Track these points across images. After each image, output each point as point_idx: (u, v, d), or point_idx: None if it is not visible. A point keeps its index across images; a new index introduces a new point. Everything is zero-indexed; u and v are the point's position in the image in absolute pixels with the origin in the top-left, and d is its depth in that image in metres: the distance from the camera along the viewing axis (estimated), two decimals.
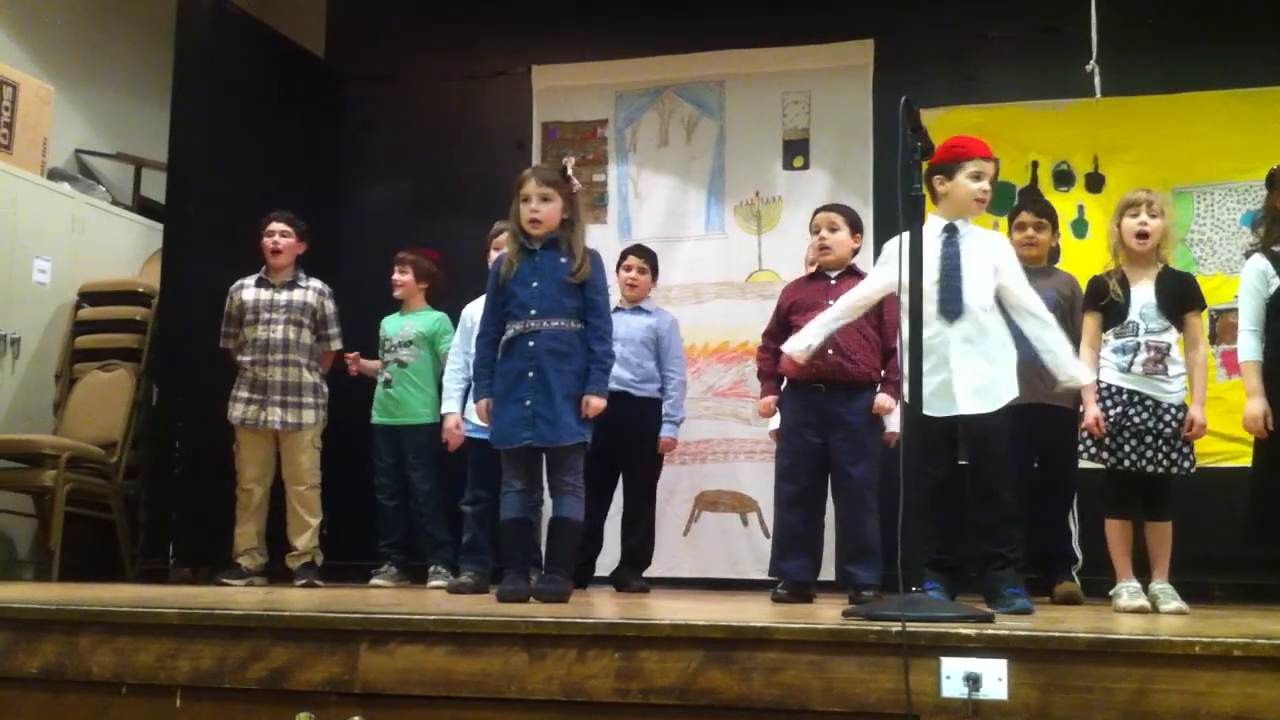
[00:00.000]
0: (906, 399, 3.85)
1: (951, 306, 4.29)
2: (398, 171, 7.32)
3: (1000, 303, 4.38)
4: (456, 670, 3.27)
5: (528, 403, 4.46)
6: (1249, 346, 4.18)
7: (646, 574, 5.77)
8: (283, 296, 5.78)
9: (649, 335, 5.71)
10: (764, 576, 5.54)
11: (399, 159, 7.29)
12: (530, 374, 4.48)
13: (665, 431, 5.72)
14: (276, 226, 5.82)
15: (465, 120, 7.16)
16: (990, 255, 4.40)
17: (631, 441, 5.59)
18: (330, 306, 5.92)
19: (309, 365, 5.77)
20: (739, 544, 6.43)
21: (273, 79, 6.90)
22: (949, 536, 4.47)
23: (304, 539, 5.70)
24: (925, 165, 4.08)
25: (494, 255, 5.22)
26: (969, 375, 4.28)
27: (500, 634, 3.28)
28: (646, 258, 5.88)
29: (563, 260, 4.59)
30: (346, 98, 7.43)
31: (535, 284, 4.56)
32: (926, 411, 4.21)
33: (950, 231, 4.40)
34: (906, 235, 4.30)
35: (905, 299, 4.04)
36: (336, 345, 5.94)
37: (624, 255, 5.89)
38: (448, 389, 5.66)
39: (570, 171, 4.76)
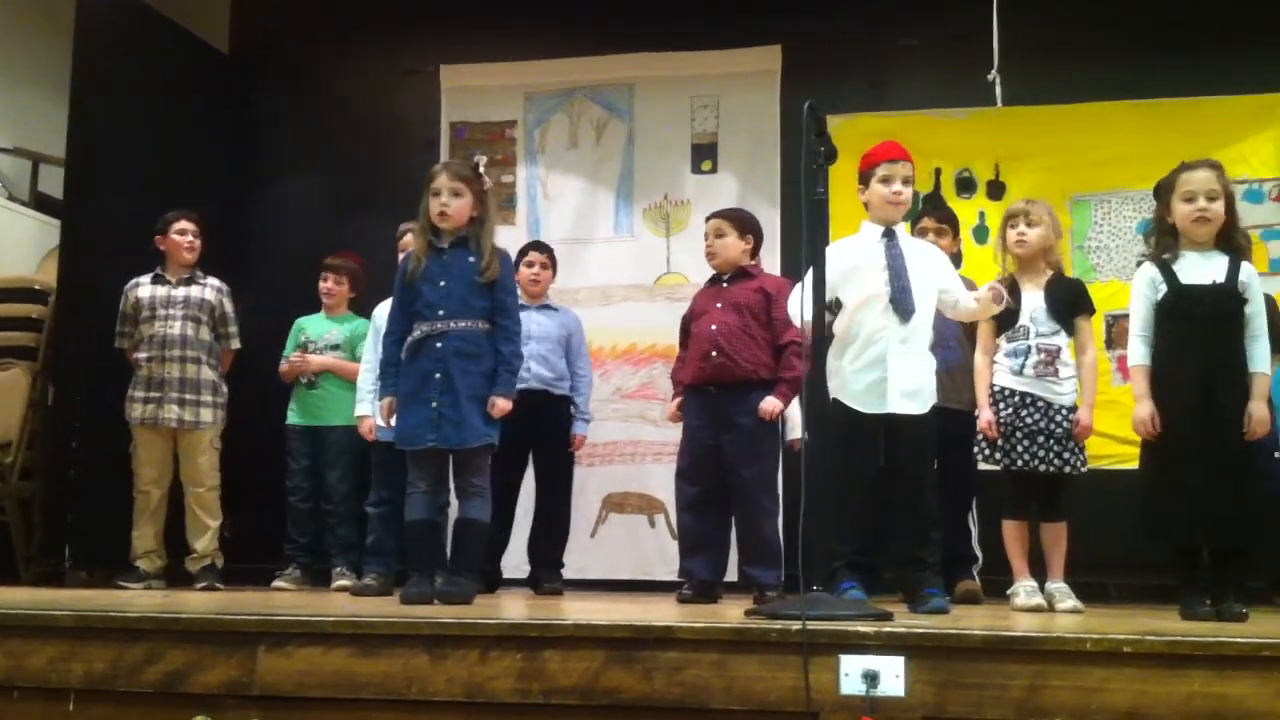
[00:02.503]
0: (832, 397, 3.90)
1: (904, 305, 4.38)
2: (307, 170, 7.23)
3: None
4: (357, 672, 3.26)
5: (434, 404, 4.45)
6: (1137, 352, 4.28)
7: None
8: (180, 293, 5.68)
9: (561, 333, 5.73)
10: (672, 578, 5.56)
11: (309, 157, 7.20)
12: (437, 375, 4.47)
13: (577, 428, 5.74)
14: (189, 226, 5.73)
15: (375, 119, 7.09)
16: (926, 262, 4.53)
17: (550, 440, 5.61)
18: (229, 305, 5.84)
19: (208, 363, 5.67)
20: (646, 545, 6.45)
21: (176, 74, 6.78)
22: (869, 537, 4.52)
23: (203, 541, 5.60)
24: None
25: (402, 256, 5.19)
26: (903, 376, 4.37)
27: (402, 635, 3.29)
28: (547, 253, 5.89)
29: (471, 259, 4.58)
30: (254, 94, 7.32)
31: (443, 283, 4.54)
32: (858, 409, 4.31)
33: (890, 235, 4.50)
34: (848, 241, 4.48)
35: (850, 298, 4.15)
36: (235, 344, 5.86)
37: (524, 252, 5.89)
38: (361, 391, 5.62)
39: (482, 169, 4.75)
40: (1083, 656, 2.93)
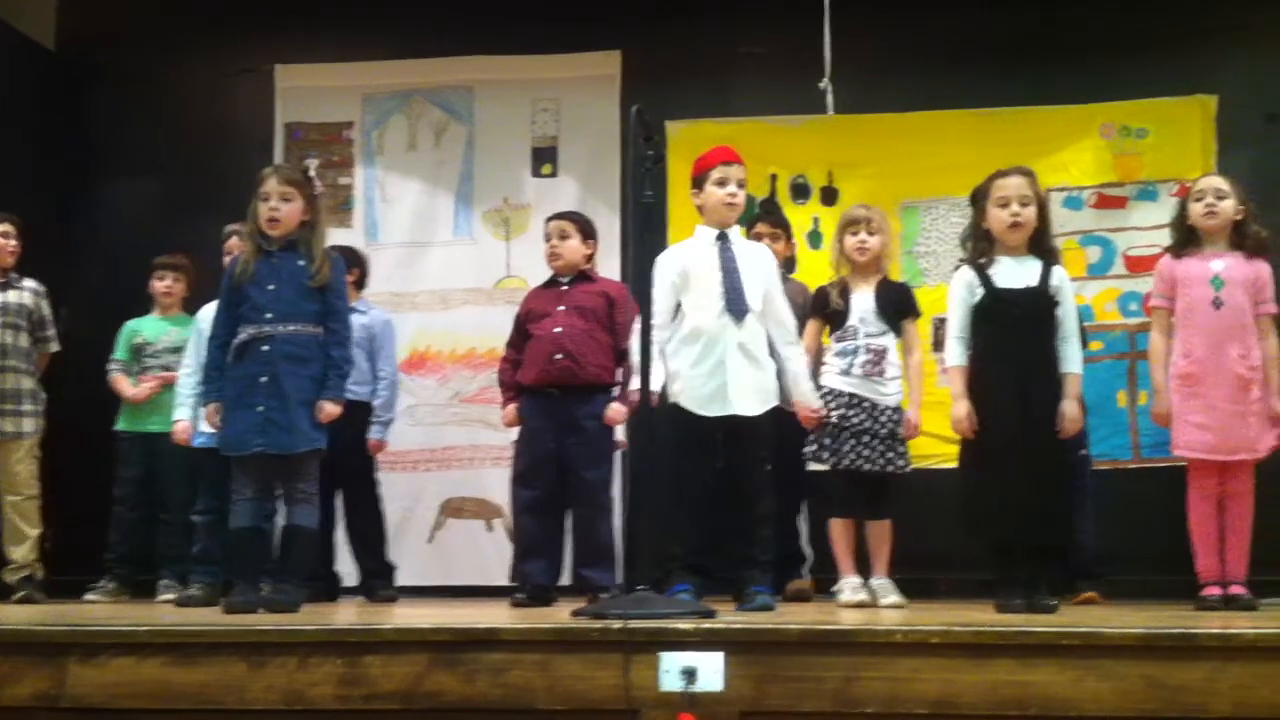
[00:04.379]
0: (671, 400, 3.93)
1: (737, 306, 4.44)
2: (138, 170, 7.02)
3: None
4: (173, 682, 3.21)
5: (261, 409, 4.37)
6: (955, 353, 4.41)
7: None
8: None
9: (363, 335, 5.58)
10: (510, 583, 5.53)
11: (139, 157, 6.99)
12: (264, 379, 4.39)
13: (374, 433, 5.60)
14: (8, 228, 5.54)
15: (208, 119, 6.93)
16: (758, 264, 4.59)
17: (347, 445, 5.47)
18: (46, 307, 5.65)
19: (27, 371, 5.48)
20: (485, 550, 6.42)
21: None
22: (705, 539, 4.56)
23: (22, 551, 5.40)
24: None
25: (229, 259, 5.09)
26: (743, 377, 4.43)
27: (220, 644, 3.24)
28: (349, 256, 5.76)
29: (301, 263, 4.51)
30: (83, 93, 7.09)
31: (272, 286, 4.47)
32: (700, 412, 4.35)
33: (723, 239, 4.55)
34: (674, 249, 4.59)
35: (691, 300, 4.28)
36: (54, 347, 5.67)
37: None
38: (180, 395, 5.49)
39: (313, 173, 4.68)
40: (894, 648, 3.01)
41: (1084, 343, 5.16)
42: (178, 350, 5.79)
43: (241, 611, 4.11)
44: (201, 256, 5.98)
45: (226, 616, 3.93)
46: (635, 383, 4.27)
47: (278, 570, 4.46)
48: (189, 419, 5.37)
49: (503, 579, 6.05)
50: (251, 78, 6.98)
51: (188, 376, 5.43)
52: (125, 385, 5.87)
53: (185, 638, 3.24)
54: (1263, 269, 4.64)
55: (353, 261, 5.80)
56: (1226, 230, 4.65)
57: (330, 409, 4.43)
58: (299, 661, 3.17)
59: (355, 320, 5.56)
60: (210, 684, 3.19)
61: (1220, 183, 4.70)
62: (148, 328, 5.92)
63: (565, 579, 5.14)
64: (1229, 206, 4.63)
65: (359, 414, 5.55)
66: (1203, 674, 2.91)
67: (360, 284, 5.80)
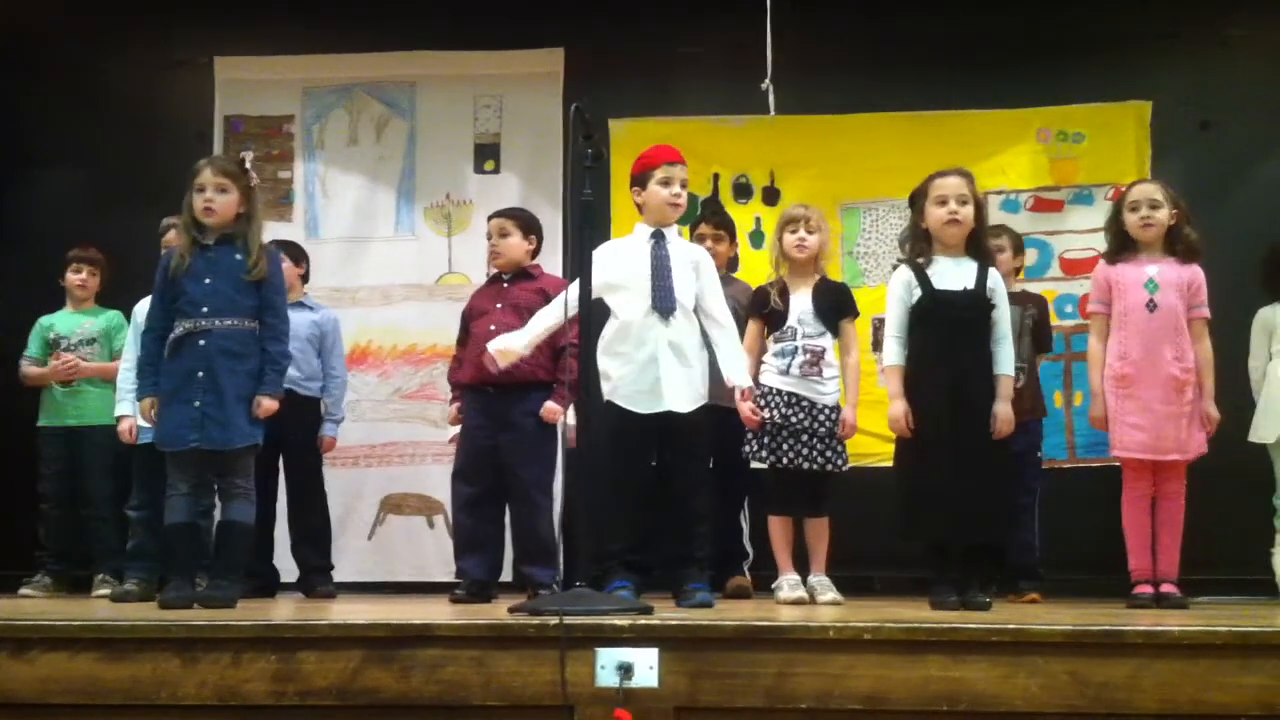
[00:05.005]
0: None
1: (665, 304, 4.46)
2: (72, 162, 6.92)
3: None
4: (104, 677, 3.19)
5: (197, 404, 4.34)
6: (892, 352, 4.46)
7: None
8: None
9: (314, 331, 5.59)
10: (451, 579, 5.52)
11: (73, 148, 6.89)
12: (201, 374, 4.36)
13: (326, 430, 5.61)
14: None
15: (144, 110, 6.84)
16: (692, 265, 4.61)
17: (297, 441, 5.47)
18: None
19: None
20: (426, 546, 6.39)
21: None
22: (642, 536, 4.58)
23: None
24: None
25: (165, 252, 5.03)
26: (675, 374, 4.45)
27: (151, 639, 3.23)
28: (291, 252, 5.72)
29: (238, 257, 4.48)
30: (16, 83, 6.97)
31: (208, 280, 4.44)
32: (634, 409, 4.37)
33: (658, 237, 4.57)
34: (607, 245, 4.60)
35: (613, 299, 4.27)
36: None
37: None
38: (120, 390, 5.42)
39: (249, 165, 4.65)
40: (827, 644, 3.05)
41: (1049, 346, 5.29)
42: (91, 343, 5.77)
43: (177, 607, 4.07)
44: (135, 250, 5.91)
45: (161, 612, 3.90)
46: None
47: (214, 566, 4.43)
48: (132, 413, 5.31)
49: (444, 575, 6.06)
50: (190, 69, 6.90)
51: (127, 371, 5.36)
52: (33, 370, 5.79)
53: (117, 633, 3.22)
54: (1196, 273, 4.72)
55: (300, 256, 5.79)
56: (1161, 237, 4.73)
57: (268, 404, 4.41)
58: (232, 657, 3.16)
59: (305, 317, 5.58)
60: (142, 680, 3.17)
61: (1154, 192, 4.77)
62: (61, 322, 5.86)
63: (508, 575, 5.16)
64: (1163, 215, 4.70)
65: (309, 411, 5.55)
66: (1128, 671, 2.96)
67: (306, 279, 5.78)
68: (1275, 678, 2.97)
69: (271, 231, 5.66)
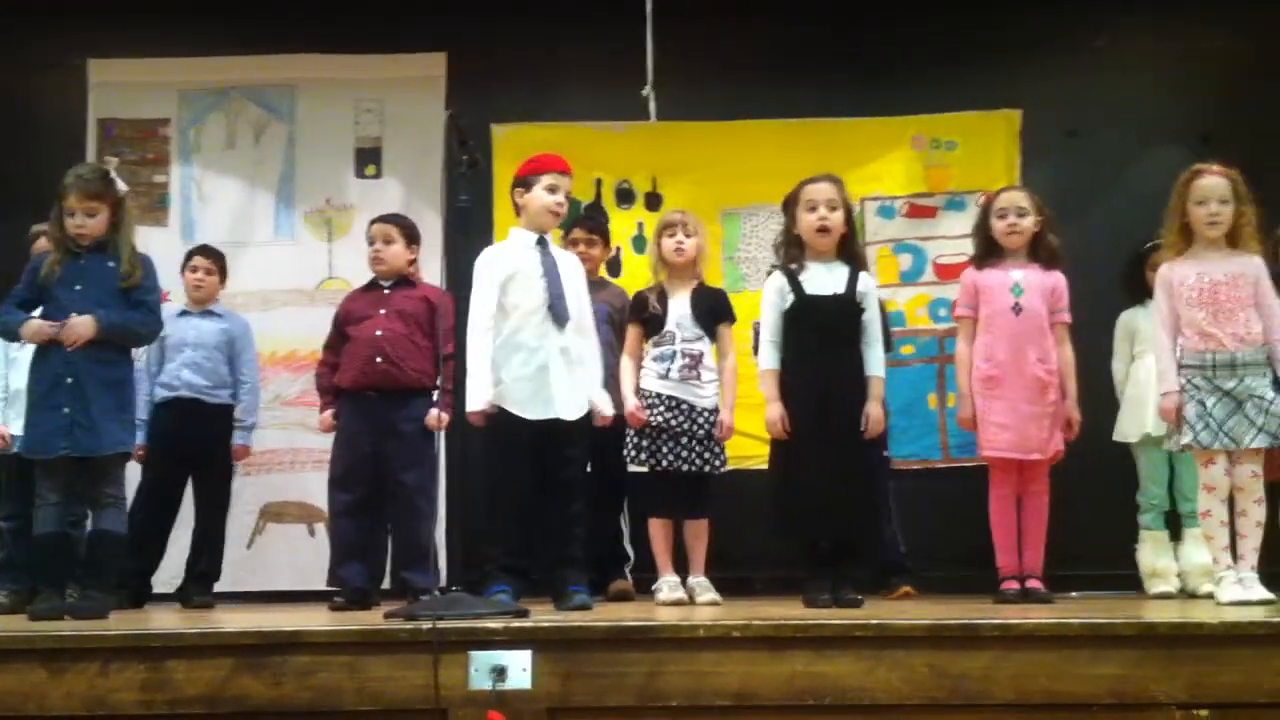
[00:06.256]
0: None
1: (560, 312, 4.50)
2: None
3: None
4: None
5: (65, 410, 4.29)
6: (768, 356, 4.55)
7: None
8: None
9: (222, 339, 5.55)
10: (329, 587, 5.49)
11: None
12: (69, 380, 4.31)
13: (239, 439, 5.58)
14: None
15: (13, 113, 6.69)
16: (573, 271, 4.68)
17: (205, 450, 5.42)
18: None
19: None
20: (306, 555, 6.30)
21: None
22: (524, 540, 4.59)
23: None
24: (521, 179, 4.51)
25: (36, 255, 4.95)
26: (565, 381, 4.48)
27: (18, 650, 3.17)
28: (214, 258, 5.71)
29: (110, 265, 4.46)
30: None
31: (79, 287, 4.42)
32: (523, 415, 4.38)
33: (543, 244, 4.61)
34: (495, 250, 4.59)
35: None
36: None
37: (189, 256, 5.73)
38: None
39: (114, 174, 4.59)
40: (696, 643, 3.10)
41: (889, 346, 5.38)
42: None
43: (47, 619, 4.02)
44: (6, 255, 5.77)
45: (30, 624, 3.83)
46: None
47: (85, 576, 4.36)
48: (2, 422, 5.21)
49: (324, 584, 5.99)
50: (62, 72, 6.75)
51: None
52: None
53: None
54: (1059, 279, 4.86)
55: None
56: (1026, 243, 4.86)
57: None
58: (100, 667, 3.13)
59: (214, 325, 5.54)
60: (8, 691, 3.13)
61: (1021, 199, 4.90)
62: None
63: (390, 582, 5.14)
64: (1029, 223, 4.83)
65: (219, 419, 5.50)
66: (984, 663, 3.06)
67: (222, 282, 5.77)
68: (1125, 668, 3.09)
69: (146, 236, 5.60)
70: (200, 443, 5.41)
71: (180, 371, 5.38)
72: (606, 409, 4.66)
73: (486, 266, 4.54)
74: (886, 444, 5.42)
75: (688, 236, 4.81)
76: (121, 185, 4.55)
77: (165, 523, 5.44)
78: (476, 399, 4.32)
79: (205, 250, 5.78)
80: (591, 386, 4.64)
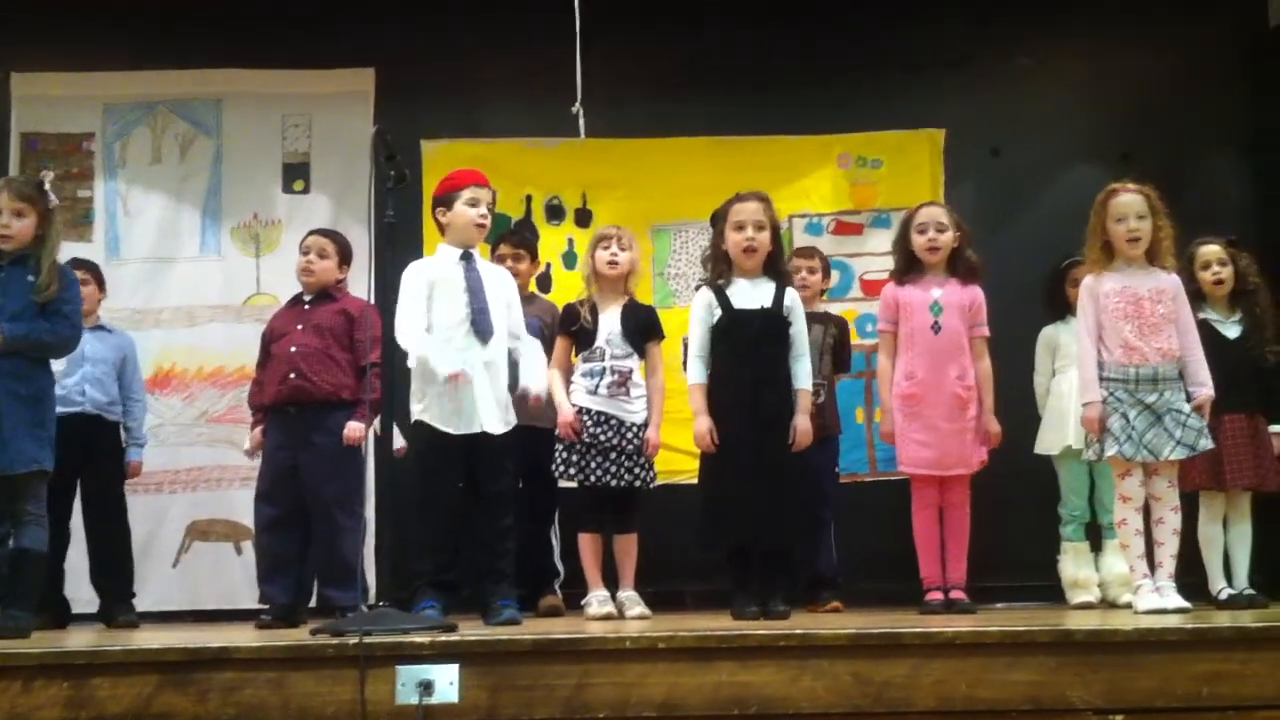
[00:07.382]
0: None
1: (483, 326, 4.51)
2: None
3: None
4: None
5: None
6: (696, 371, 4.60)
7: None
8: None
9: (114, 356, 5.49)
10: (257, 604, 5.44)
11: None
12: None
13: (133, 455, 5.52)
14: None
15: None
16: (500, 285, 4.69)
17: (101, 467, 5.35)
18: None
19: None
20: (233, 573, 6.24)
21: None
22: (451, 555, 4.59)
23: None
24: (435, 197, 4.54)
25: None
26: (489, 396, 4.49)
27: None
28: (91, 271, 5.59)
29: (30, 278, 4.41)
30: None
31: None
32: (446, 429, 4.38)
33: (468, 258, 4.62)
34: (421, 263, 4.64)
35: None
36: None
37: None
38: None
39: (48, 186, 4.54)
40: (623, 654, 3.13)
41: (846, 366, 5.47)
42: None
43: None
44: None
45: None
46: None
47: (6, 596, 4.29)
48: None
49: (252, 602, 5.93)
50: None
51: None
52: None
53: None
54: (977, 294, 4.94)
55: (100, 280, 5.65)
56: (945, 259, 4.95)
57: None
58: (22, 685, 3.10)
59: (102, 342, 5.46)
60: None
61: (941, 215, 4.98)
62: None
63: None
64: (948, 238, 4.91)
65: (109, 436, 5.43)
66: (906, 670, 3.11)
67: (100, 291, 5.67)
68: (1042, 674, 3.16)
69: (71, 251, 5.53)
70: (93, 460, 5.31)
71: (84, 386, 5.32)
72: (539, 390, 4.64)
73: (412, 278, 4.55)
74: (837, 460, 5.51)
75: (622, 250, 4.85)
76: (53, 198, 4.51)
77: (61, 540, 5.28)
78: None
79: (84, 264, 5.59)
80: (528, 375, 4.64)
